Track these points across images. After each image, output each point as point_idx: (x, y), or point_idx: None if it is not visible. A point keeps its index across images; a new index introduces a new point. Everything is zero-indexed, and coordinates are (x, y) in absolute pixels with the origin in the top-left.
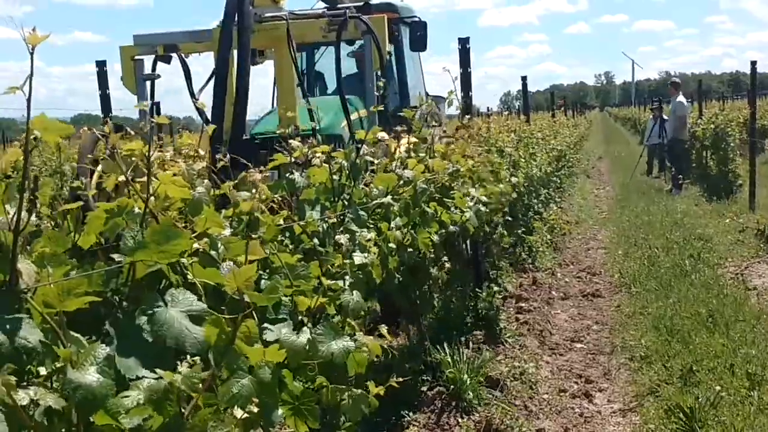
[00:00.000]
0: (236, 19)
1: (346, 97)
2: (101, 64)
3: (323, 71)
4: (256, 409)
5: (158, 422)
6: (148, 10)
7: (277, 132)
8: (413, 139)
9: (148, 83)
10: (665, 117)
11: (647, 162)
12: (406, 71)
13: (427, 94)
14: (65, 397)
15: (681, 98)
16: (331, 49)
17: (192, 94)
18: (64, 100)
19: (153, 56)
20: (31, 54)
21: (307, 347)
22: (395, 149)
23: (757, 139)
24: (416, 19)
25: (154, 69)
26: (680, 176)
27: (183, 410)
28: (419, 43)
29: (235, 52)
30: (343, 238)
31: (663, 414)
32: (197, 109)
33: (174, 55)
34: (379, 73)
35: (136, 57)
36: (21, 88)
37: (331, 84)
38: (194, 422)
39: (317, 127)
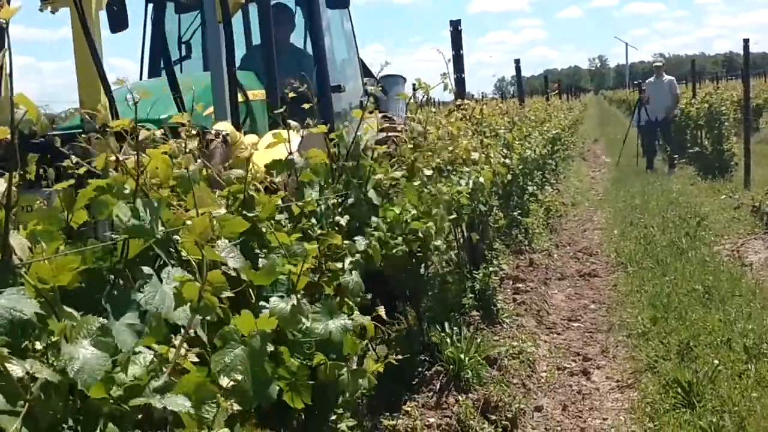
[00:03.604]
0: None
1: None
2: None
3: (197, 40)
4: (249, 380)
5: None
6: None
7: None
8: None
9: None
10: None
11: (641, 144)
12: (324, 38)
13: (367, 71)
14: (60, 370)
15: (670, 77)
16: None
17: None
18: (58, 94)
19: None
20: (6, 29)
21: (294, 313)
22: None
23: (751, 117)
24: None
25: None
26: (675, 156)
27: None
28: None
29: None
30: (342, 220)
31: (661, 389)
32: None
33: None
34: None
35: None
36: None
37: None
38: (182, 385)
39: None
